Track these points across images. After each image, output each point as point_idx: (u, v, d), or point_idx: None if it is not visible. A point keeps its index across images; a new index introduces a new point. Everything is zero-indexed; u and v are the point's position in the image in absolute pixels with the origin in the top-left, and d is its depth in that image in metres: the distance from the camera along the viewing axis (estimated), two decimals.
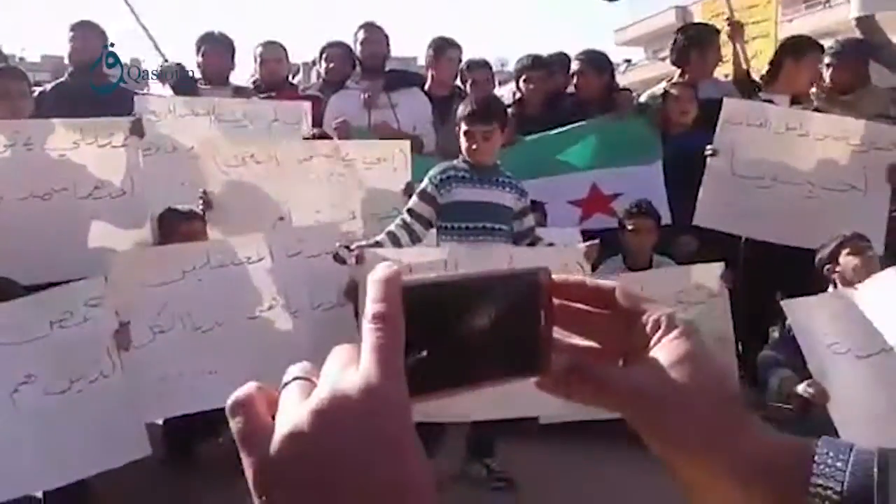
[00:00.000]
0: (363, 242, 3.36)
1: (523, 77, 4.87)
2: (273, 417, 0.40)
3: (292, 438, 0.38)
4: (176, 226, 3.61)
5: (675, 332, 0.49)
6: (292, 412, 0.39)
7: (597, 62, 4.96)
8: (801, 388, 3.11)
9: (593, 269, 3.39)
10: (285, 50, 4.92)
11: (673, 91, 4.56)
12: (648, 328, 0.49)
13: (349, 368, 0.40)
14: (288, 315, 3.47)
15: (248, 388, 0.42)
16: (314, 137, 4.07)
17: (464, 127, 3.29)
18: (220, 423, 3.56)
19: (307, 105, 4.34)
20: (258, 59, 4.84)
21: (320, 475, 0.38)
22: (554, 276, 0.50)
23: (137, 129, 3.72)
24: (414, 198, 3.40)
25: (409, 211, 3.35)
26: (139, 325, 3.24)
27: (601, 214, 4.42)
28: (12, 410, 2.95)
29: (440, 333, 0.45)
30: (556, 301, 0.50)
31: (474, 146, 3.28)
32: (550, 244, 3.46)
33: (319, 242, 3.49)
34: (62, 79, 4.50)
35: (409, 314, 0.42)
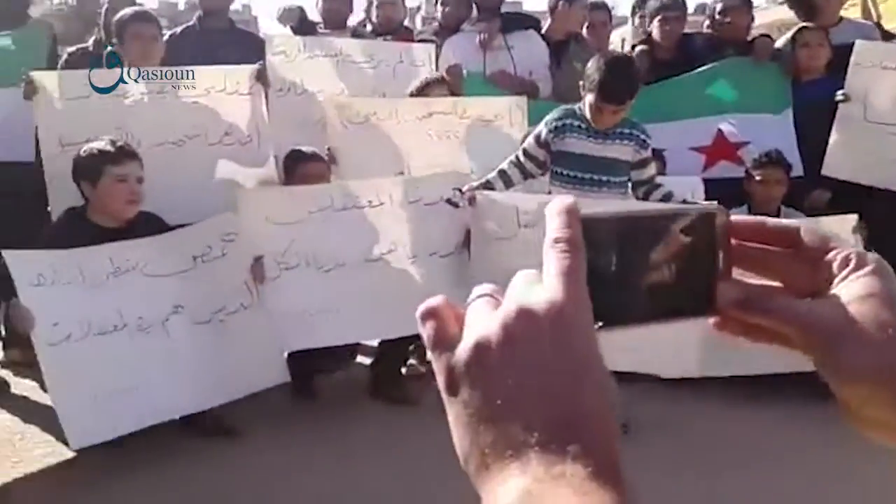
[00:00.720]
0: (474, 184, 3.40)
1: (660, 17, 4.59)
2: (460, 330, 0.42)
3: (478, 347, 0.40)
4: (299, 166, 3.67)
5: (866, 269, 0.47)
6: (479, 324, 0.41)
7: (748, 2, 4.64)
8: None
9: None
10: None
11: (803, 35, 4.28)
12: (836, 265, 0.48)
13: (535, 287, 0.41)
14: (405, 260, 3.56)
15: (438, 299, 0.43)
16: (430, 81, 4.06)
17: (591, 98, 3.19)
18: (339, 358, 3.71)
19: (432, 47, 4.31)
20: (374, 2, 4.83)
21: (504, 384, 0.39)
22: (732, 217, 0.49)
23: (263, 77, 3.77)
24: (530, 139, 3.42)
25: (524, 151, 3.39)
26: (267, 260, 3.38)
27: (727, 162, 4.23)
28: (166, 339, 3.14)
29: (614, 267, 0.45)
30: (733, 241, 0.49)
31: (600, 117, 3.22)
32: (669, 193, 3.35)
33: (438, 190, 3.55)
34: (191, 23, 4.54)
35: (586, 245, 0.42)
